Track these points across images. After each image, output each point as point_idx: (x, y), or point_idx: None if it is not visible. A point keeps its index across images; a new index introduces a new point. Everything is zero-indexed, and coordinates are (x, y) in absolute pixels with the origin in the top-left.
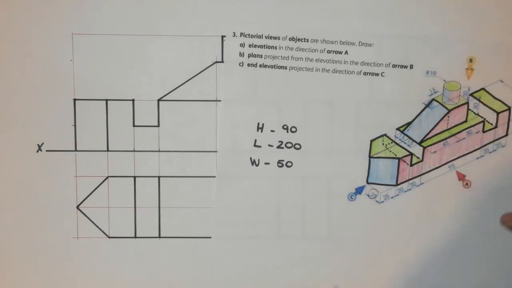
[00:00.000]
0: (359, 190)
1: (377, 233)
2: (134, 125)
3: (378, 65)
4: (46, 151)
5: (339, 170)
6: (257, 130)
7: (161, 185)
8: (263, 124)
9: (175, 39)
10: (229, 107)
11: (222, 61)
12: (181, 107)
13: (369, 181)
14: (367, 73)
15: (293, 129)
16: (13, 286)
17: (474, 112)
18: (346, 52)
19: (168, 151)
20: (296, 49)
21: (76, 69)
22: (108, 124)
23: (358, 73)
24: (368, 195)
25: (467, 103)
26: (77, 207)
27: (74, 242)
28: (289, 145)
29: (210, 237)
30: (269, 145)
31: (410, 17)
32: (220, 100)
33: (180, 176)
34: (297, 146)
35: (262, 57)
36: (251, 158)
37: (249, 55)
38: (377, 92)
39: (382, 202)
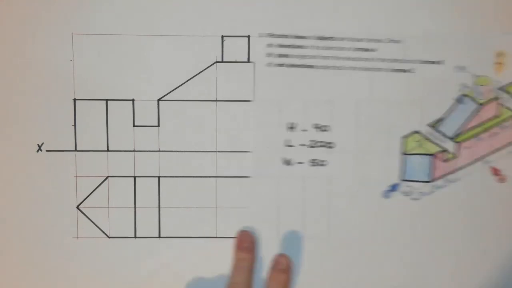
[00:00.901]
0: (393, 188)
1: (413, 231)
2: (134, 125)
3: (407, 61)
4: (46, 151)
5: (372, 168)
6: (289, 130)
7: (161, 185)
8: (295, 124)
9: (175, 39)
10: (261, 107)
11: (222, 61)
12: (181, 107)
13: (403, 179)
14: (397, 69)
15: (325, 129)
16: (13, 286)
17: (505, 106)
18: (375, 50)
19: (168, 151)
20: (323, 48)
21: (76, 69)
22: (108, 124)
23: (387, 70)
24: (403, 193)
25: (498, 97)
26: (77, 207)
27: (74, 242)
28: (321, 144)
29: (210, 237)
30: (301, 145)
31: (438, 13)
32: (220, 100)
33: (180, 176)
34: (330, 146)
35: (289, 56)
36: (283, 158)
37: (278, 56)
38: (408, 89)
39: (417, 199)
